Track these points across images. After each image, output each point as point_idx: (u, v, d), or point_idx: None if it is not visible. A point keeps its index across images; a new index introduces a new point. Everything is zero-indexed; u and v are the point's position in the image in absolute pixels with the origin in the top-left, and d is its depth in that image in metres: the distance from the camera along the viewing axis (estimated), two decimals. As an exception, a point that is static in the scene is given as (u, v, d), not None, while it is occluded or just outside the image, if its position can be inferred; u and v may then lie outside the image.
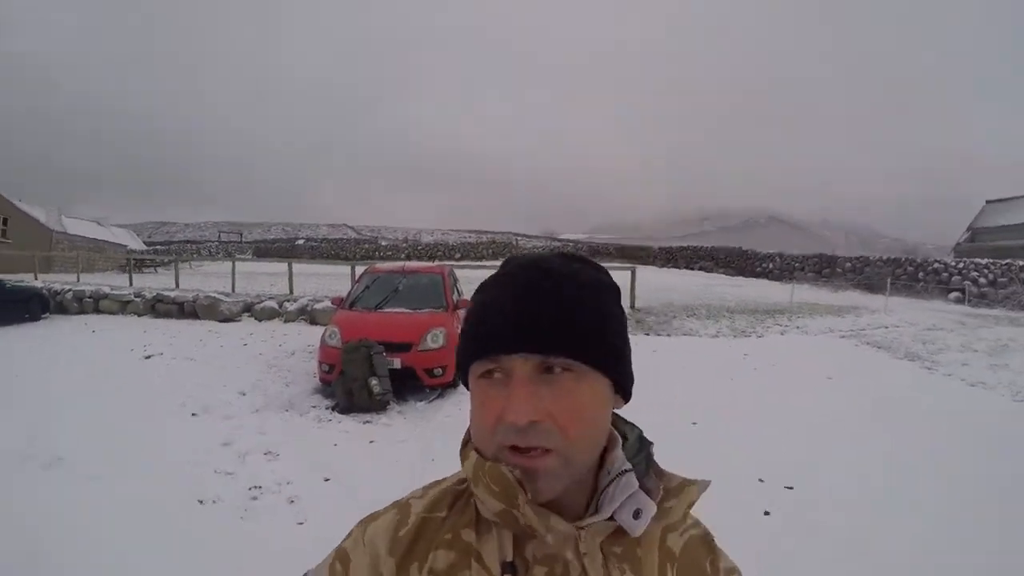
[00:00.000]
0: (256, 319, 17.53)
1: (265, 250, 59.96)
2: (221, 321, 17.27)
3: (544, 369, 0.87)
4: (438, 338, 9.56)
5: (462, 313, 10.83)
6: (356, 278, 12.16)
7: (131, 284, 21.87)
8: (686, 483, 0.96)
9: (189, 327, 16.32)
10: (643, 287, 21.94)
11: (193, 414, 8.46)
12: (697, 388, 10.12)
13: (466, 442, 0.97)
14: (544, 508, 0.87)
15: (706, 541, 1.06)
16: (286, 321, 17.13)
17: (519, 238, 77.67)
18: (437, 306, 10.70)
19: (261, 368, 11.34)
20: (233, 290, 20.15)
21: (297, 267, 20.68)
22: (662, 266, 45.58)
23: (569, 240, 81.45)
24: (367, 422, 8.25)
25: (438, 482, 1.04)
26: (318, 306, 17.16)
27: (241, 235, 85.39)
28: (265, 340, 14.29)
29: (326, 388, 9.57)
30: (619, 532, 0.92)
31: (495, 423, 0.87)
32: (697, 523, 1.07)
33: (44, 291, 19.08)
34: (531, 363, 0.86)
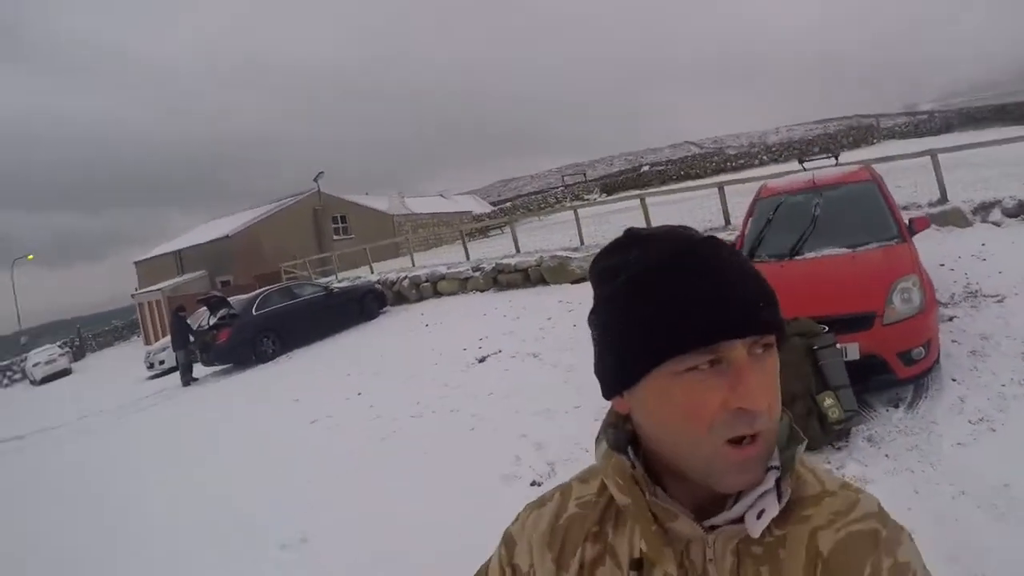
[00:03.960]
0: (613, 274, 14.20)
1: (612, 185, 57.17)
2: (572, 283, 14.39)
3: (754, 349, 0.84)
4: (912, 296, 5.59)
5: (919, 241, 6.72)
6: (747, 209, 8.01)
7: (468, 257, 19.79)
8: (825, 494, 0.90)
9: (536, 298, 13.69)
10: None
11: (534, 482, 5.42)
12: None
13: (606, 427, 0.99)
14: (672, 505, 0.88)
15: (873, 538, 0.87)
16: (648, 273, 13.60)
17: (878, 118, 67.37)
18: (886, 236, 6.59)
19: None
20: (581, 243, 17.01)
21: (652, 201, 16.88)
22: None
23: (933, 111, 67.97)
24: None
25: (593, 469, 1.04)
26: (687, 246, 13.30)
27: (585, 174, 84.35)
28: (630, 307, 10.76)
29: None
30: None
31: (713, 418, 0.82)
32: (866, 517, 0.89)
33: (377, 285, 18.14)
34: (746, 346, 0.83)
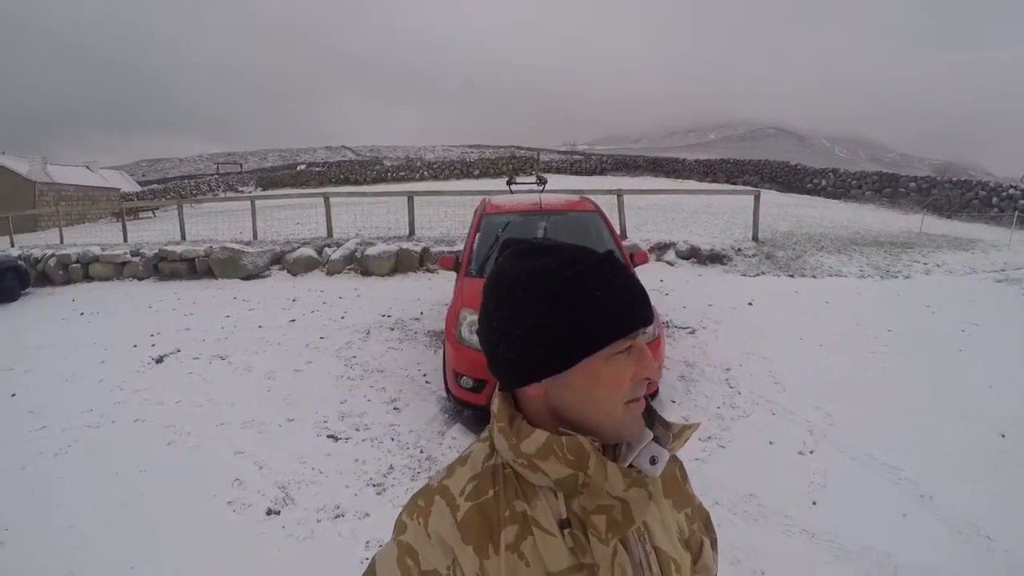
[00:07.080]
0: (289, 272, 13.74)
1: (268, 180, 54.92)
2: (244, 279, 13.52)
3: (641, 334, 1.08)
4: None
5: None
6: (473, 223, 7.92)
7: (126, 239, 17.87)
8: (686, 428, 1.14)
9: (206, 292, 12.56)
10: (719, 208, 19.06)
11: (270, 511, 4.75)
12: (942, 366, 7.27)
13: (511, 420, 1.08)
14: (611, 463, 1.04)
15: (674, 457, 1.23)
16: (329, 273, 13.33)
17: (538, 152, 72.37)
18: None
19: (334, 369, 7.66)
20: (255, 236, 16.05)
21: (335, 201, 16.29)
22: (701, 180, 41.01)
23: (589, 153, 75.39)
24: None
25: (460, 462, 1.13)
26: (371, 251, 13.28)
27: (240, 166, 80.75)
28: (316, 309, 10.54)
29: (470, 414, 5.97)
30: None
31: (626, 387, 1.04)
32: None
33: (20, 262, 14.75)
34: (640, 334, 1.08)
